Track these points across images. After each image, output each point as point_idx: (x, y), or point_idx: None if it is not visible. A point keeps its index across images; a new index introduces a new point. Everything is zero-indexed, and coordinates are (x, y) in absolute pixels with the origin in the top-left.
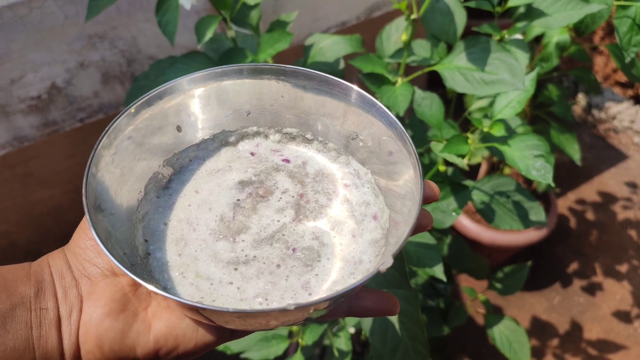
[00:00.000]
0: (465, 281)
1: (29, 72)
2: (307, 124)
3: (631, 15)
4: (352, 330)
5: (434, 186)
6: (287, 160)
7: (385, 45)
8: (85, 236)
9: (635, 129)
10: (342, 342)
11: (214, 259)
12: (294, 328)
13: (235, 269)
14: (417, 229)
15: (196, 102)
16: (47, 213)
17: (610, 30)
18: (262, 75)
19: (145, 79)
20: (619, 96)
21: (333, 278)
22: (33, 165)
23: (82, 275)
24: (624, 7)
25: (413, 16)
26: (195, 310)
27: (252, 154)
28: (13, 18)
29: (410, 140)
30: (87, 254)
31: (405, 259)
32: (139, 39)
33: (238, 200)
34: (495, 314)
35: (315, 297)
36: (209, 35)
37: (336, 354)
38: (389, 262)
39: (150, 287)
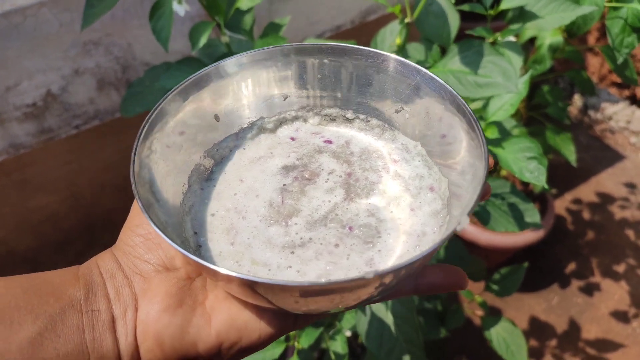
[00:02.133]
0: None
1: (24, 79)
2: (347, 103)
3: (623, 16)
4: (348, 333)
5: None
6: (330, 141)
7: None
8: (133, 233)
9: (631, 129)
10: (338, 345)
11: (268, 245)
12: (291, 332)
13: (292, 253)
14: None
15: (232, 91)
16: (44, 220)
17: (604, 31)
18: (293, 56)
19: (140, 85)
20: (615, 97)
21: (398, 253)
22: (29, 172)
23: (134, 273)
24: (615, 9)
25: (407, 20)
26: (262, 296)
27: (293, 138)
28: (8, 26)
29: (464, 102)
30: (137, 251)
31: None
32: (134, 46)
33: (284, 185)
34: (493, 315)
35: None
36: (203, 41)
37: (333, 357)
38: (465, 221)
39: (222, 271)
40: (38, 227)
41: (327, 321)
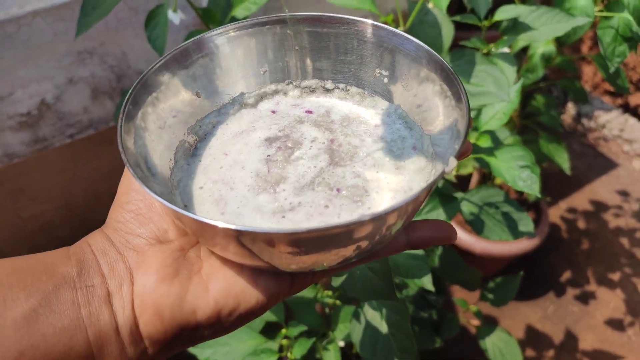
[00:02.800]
0: (459, 292)
1: (18, 88)
2: (326, 73)
3: (614, 26)
4: (341, 343)
5: None
6: (310, 112)
7: None
8: (123, 210)
9: (624, 137)
10: (332, 356)
11: (258, 212)
12: (284, 341)
13: (283, 217)
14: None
15: (212, 66)
16: (38, 229)
17: (597, 40)
18: (269, 28)
19: None
20: (608, 105)
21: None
22: (23, 181)
23: (127, 248)
24: (606, 18)
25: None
26: (257, 256)
27: (273, 111)
28: (2, 35)
29: (442, 60)
30: (128, 226)
31: (394, 270)
32: (128, 54)
33: (268, 155)
34: (488, 324)
35: None
36: None
37: None
38: (453, 163)
39: (221, 224)
40: (32, 236)
41: (321, 332)
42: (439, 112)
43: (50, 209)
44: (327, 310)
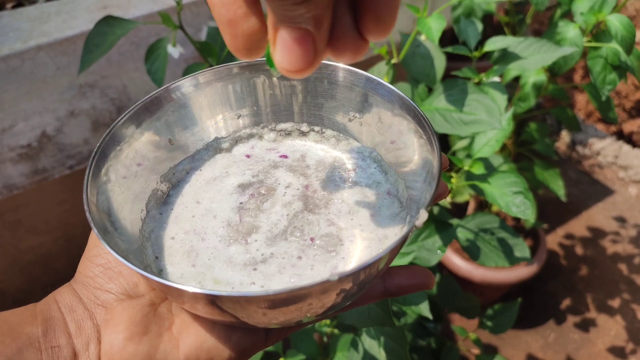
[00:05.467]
0: (458, 320)
1: (20, 121)
2: (301, 116)
3: (603, 55)
4: None
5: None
6: (285, 156)
7: None
8: (92, 264)
9: (619, 164)
10: None
11: (229, 264)
12: None
13: (255, 269)
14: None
15: (184, 112)
16: (35, 261)
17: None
18: (242, 73)
19: None
20: (602, 132)
21: (362, 258)
22: (22, 212)
23: (95, 305)
24: (595, 48)
25: (393, 61)
26: (228, 313)
27: (248, 156)
28: (6, 69)
29: (415, 105)
30: (97, 281)
31: None
32: (129, 87)
33: (241, 203)
34: (488, 353)
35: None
36: None
37: None
38: (424, 216)
39: (188, 289)
40: (29, 268)
41: None
42: (414, 151)
43: (48, 240)
44: (325, 339)
